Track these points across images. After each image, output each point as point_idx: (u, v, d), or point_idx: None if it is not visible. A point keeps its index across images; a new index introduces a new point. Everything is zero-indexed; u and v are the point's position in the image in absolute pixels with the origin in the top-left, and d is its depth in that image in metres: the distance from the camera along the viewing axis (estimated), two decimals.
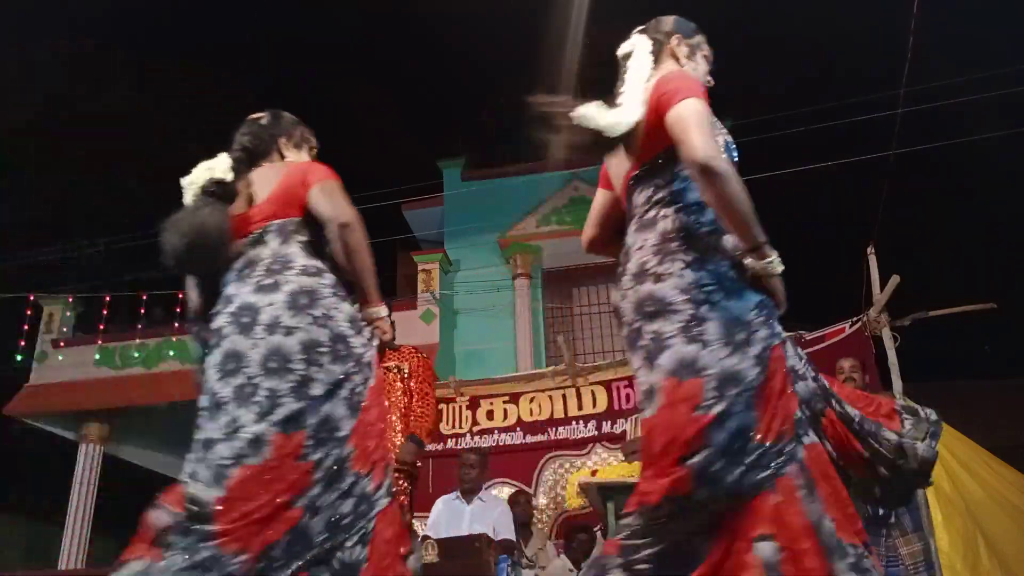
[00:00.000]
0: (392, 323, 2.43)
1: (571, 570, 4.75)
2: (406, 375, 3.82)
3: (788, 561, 1.54)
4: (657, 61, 1.96)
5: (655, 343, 1.72)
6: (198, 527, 1.80)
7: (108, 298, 10.57)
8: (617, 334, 10.00)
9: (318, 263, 2.13)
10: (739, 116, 7.37)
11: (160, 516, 1.83)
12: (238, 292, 2.07)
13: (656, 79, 1.86)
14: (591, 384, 6.33)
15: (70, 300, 11.12)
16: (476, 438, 6.34)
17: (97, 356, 10.65)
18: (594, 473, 4.80)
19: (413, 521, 3.97)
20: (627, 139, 1.84)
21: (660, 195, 1.81)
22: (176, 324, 10.52)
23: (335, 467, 1.92)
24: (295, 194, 2.18)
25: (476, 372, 7.96)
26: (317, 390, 1.95)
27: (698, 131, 1.67)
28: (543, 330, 9.97)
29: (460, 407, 6.50)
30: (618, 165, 1.97)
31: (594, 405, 6.26)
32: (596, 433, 6.14)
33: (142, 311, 10.58)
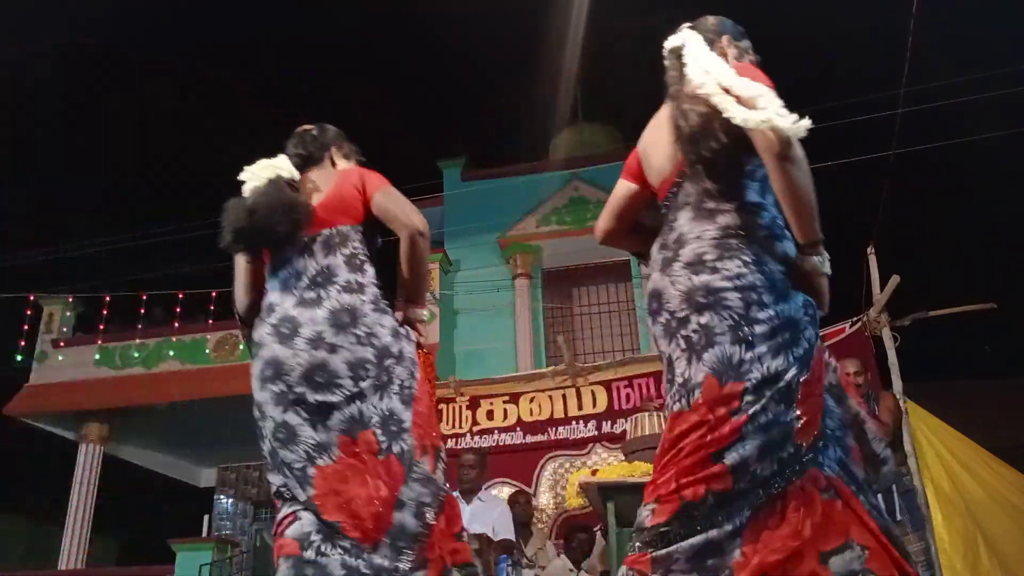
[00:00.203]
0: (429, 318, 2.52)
1: (571, 570, 4.75)
2: None
3: (872, 559, 1.58)
4: None
5: (702, 336, 1.71)
6: (319, 524, 1.96)
7: (108, 298, 10.56)
8: (617, 334, 10.02)
9: (359, 277, 2.18)
10: None
11: (294, 527, 1.99)
12: (281, 303, 2.13)
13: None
14: (591, 384, 6.32)
15: (70, 300, 11.12)
16: (476, 438, 6.33)
17: (97, 356, 10.65)
18: (594, 473, 4.80)
19: None
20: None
21: (720, 187, 1.79)
22: (176, 324, 10.52)
23: (409, 458, 2.03)
24: (351, 201, 2.24)
25: (476, 372, 7.96)
26: (369, 392, 2.05)
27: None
28: (543, 330, 9.98)
29: (460, 407, 6.50)
30: (658, 155, 1.93)
31: (594, 405, 6.26)
32: (596, 433, 6.14)
33: (142, 311, 10.57)
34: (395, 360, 2.11)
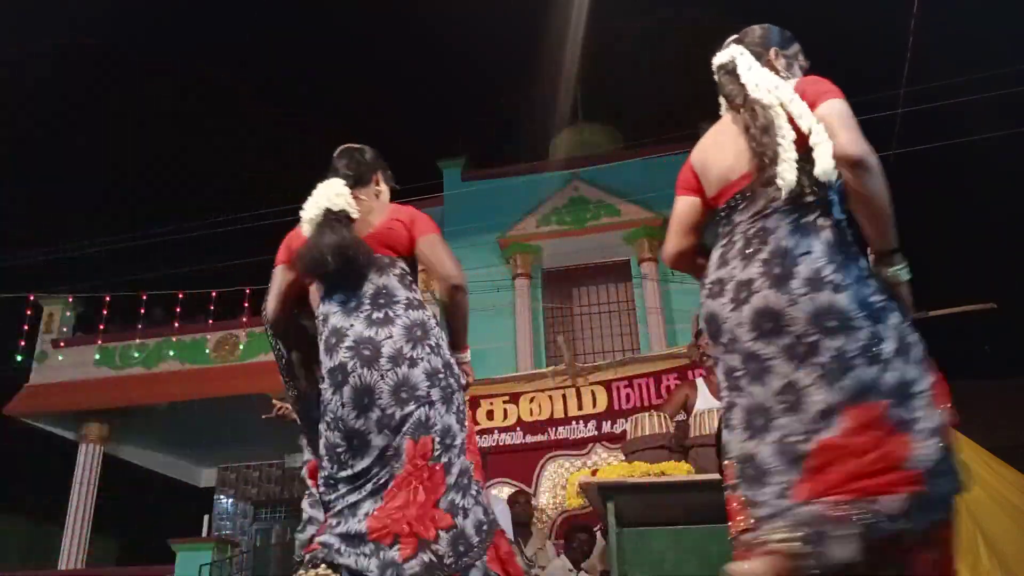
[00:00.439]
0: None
1: (571, 570, 4.75)
2: None
3: None
4: None
5: (837, 362, 1.65)
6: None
7: (108, 298, 10.57)
8: (617, 334, 10.02)
9: (415, 295, 2.33)
10: None
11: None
12: (349, 325, 2.24)
13: (793, 83, 1.84)
14: (591, 384, 6.32)
15: (70, 300, 11.13)
16: (476, 438, 6.33)
17: (97, 356, 10.66)
18: (594, 473, 4.79)
19: None
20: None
21: (811, 200, 1.74)
22: (176, 324, 10.53)
23: (464, 475, 2.19)
24: (399, 238, 2.36)
25: (476, 372, 7.84)
26: (438, 404, 2.20)
27: (852, 126, 1.69)
28: (543, 330, 9.98)
29: None
30: (721, 162, 1.89)
31: (594, 405, 6.26)
32: (596, 433, 6.13)
33: (142, 311, 10.59)
34: (455, 380, 2.29)
